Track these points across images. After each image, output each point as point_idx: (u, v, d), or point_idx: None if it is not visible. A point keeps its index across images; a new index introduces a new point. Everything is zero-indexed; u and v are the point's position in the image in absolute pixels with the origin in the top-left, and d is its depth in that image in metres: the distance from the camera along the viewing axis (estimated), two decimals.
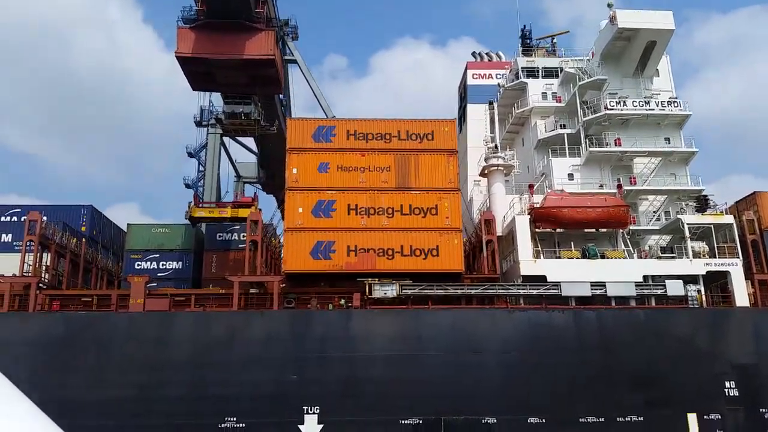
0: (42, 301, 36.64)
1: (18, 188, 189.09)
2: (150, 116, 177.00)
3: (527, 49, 60.34)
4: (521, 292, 37.87)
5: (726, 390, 36.52)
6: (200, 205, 51.72)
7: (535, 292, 37.70)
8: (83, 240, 44.20)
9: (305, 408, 34.69)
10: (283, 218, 40.66)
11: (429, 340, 36.22)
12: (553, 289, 37.83)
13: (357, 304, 37.10)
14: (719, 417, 36.06)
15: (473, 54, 62.03)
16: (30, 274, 36.85)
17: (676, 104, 45.49)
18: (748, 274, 39.22)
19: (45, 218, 39.30)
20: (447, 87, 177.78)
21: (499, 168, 43.66)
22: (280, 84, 42.59)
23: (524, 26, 62.02)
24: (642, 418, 35.63)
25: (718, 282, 40.09)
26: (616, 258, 39.42)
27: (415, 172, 39.60)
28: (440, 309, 37.17)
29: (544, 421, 35.15)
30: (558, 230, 40.98)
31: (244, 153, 77.33)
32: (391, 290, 37.17)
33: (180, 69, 44.23)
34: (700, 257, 39.59)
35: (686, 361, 36.74)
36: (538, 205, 40.16)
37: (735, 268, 39.12)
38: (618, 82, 47.09)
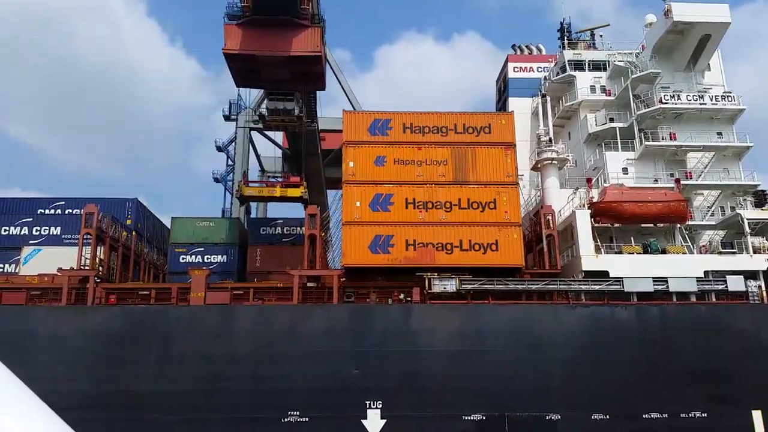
0: (100, 294, 36.37)
1: (20, 183, 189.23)
2: (154, 110, 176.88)
3: (571, 42, 59.79)
4: (583, 287, 37.43)
5: None
6: (249, 184, 51.77)
7: (597, 287, 37.25)
8: (133, 233, 43.97)
9: (368, 402, 34.41)
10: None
11: (491, 335, 35.83)
12: (615, 284, 37.38)
13: (417, 299, 36.73)
14: None
15: (513, 47, 61.32)
16: (88, 268, 36.56)
17: (730, 98, 44.87)
18: None
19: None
20: (451, 80, 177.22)
21: (554, 162, 43.16)
22: (324, 80, 42.31)
23: (563, 19, 61.42)
24: (705, 415, 35.19)
25: None
26: (677, 253, 38.91)
27: (473, 165, 39.14)
28: (501, 304, 36.77)
29: (608, 417, 34.77)
30: (615, 225, 40.53)
31: (268, 148, 76.82)
32: (451, 285, 36.78)
33: (226, 66, 44.00)
34: (760, 252, 39.08)
35: (749, 357, 36.30)
36: (596, 200, 39.66)
37: None
38: (669, 76, 46.49)
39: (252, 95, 71.50)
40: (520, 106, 56.15)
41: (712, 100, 44.45)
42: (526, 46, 61.43)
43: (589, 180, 42.54)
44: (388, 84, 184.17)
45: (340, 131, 40.38)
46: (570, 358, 35.61)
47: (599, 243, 39.14)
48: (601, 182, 43.05)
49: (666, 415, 35.08)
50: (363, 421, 34.32)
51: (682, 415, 35.16)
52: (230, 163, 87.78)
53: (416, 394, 34.43)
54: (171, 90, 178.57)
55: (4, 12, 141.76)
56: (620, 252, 39.08)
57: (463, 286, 36.71)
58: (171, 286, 38.47)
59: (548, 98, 46.19)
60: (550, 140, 43.68)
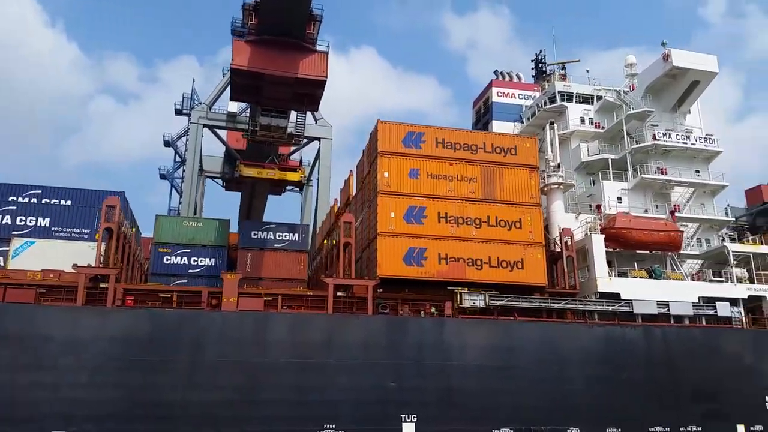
0: (119, 295, 33.48)
1: None
2: (32, 95, 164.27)
3: (543, 74, 63.26)
4: (598, 308, 39.62)
5: (767, 403, 40.24)
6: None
7: (611, 308, 39.61)
8: (132, 230, 40.86)
9: (403, 416, 34.26)
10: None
11: (519, 351, 36.95)
12: (625, 306, 39.95)
13: (449, 313, 37.15)
14: (761, 428, 39.63)
15: (495, 72, 63.92)
16: (107, 266, 33.55)
17: (710, 141, 49.60)
18: None
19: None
20: (349, 93, 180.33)
21: (560, 186, 45.39)
22: (319, 103, 42.66)
23: (540, 51, 64.88)
24: (701, 428, 38.42)
25: (752, 305, 44.02)
26: (676, 279, 42.26)
27: (500, 184, 40.36)
28: (527, 321, 38.06)
29: (620, 430, 36.97)
30: (617, 250, 43.34)
31: (210, 147, 74.13)
32: (480, 300, 37.61)
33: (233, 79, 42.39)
34: (742, 282, 43.40)
35: (735, 377, 40.08)
36: (604, 226, 42.26)
37: None
38: (657, 115, 50.52)
39: (206, 91, 69.28)
40: (503, 129, 58.65)
41: (697, 140, 48.88)
42: (507, 73, 64.18)
43: (599, 206, 45.17)
44: None
45: None
46: (587, 375, 37.51)
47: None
48: (601, 209, 45.74)
49: (668, 429, 37.88)
50: None
51: (681, 429, 38.12)
52: (178, 159, 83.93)
53: (449, 408, 34.75)
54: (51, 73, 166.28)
55: None
56: (627, 276, 41.79)
57: (491, 301, 37.64)
58: (201, 289, 36.12)
59: (555, 126, 48.42)
60: (559, 165, 45.90)
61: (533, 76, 66.47)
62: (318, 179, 64.58)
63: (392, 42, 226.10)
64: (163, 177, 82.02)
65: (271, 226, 50.38)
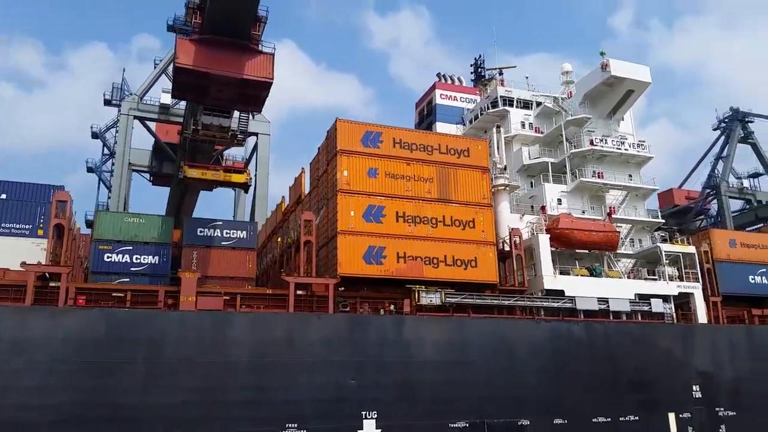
0: (70, 294, 31.87)
1: None
2: None
3: (482, 78, 65.40)
4: (545, 304, 41.53)
5: (693, 393, 43.56)
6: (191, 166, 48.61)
7: (556, 305, 41.62)
8: (77, 226, 38.85)
9: (364, 413, 34.61)
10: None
11: (473, 346, 38.18)
12: (569, 303, 42.10)
13: (407, 311, 37.84)
14: (689, 415, 42.87)
15: (438, 75, 65.35)
16: (58, 264, 31.84)
17: (643, 147, 53.01)
18: (705, 296, 47.20)
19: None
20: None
21: (506, 188, 47.12)
22: (263, 105, 42.59)
23: (479, 55, 67.00)
24: (637, 418, 41.07)
25: (681, 302, 47.46)
26: (614, 277, 44.95)
27: (455, 185, 41.45)
28: (480, 318, 39.34)
29: (566, 422, 38.91)
30: (560, 249, 45.56)
31: (137, 140, 71.82)
32: (436, 298, 38.58)
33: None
34: (672, 280, 46.72)
35: (666, 368, 43.13)
36: (550, 226, 44.35)
37: (697, 290, 46.91)
38: (594, 122, 53.41)
39: (137, 81, 67.06)
40: (446, 131, 60.15)
41: (631, 146, 52.12)
42: (450, 77, 65.82)
43: (543, 208, 47.23)
44: None
45: None
46: (536, 368, 39.26)
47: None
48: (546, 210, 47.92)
49: (609, 419, 40.25)
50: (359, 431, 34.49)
51: (621, 419, 40.61)
52: (106, 152, 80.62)
53: (409, 404, 35.45)
54: None
55: None
56: (569, 274, 44.02)
57: (447, 299, 38.66)
58: (158, 288, 34.91)
59: (502, 129, 50.15)
60: (505, 168, 47.61)
61: (473, 81, 68.40)
62: (256, 175, 63.76)
63: (314, 38, 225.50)
64: (90, 170, 78.53)
65: (218, 223, 49.13)
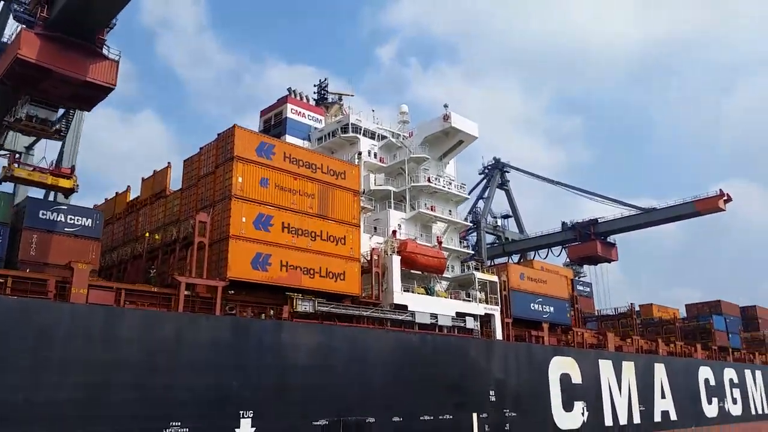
0: None
1: None
2: None
3: (324, 100, 70.23)
4: (392, 317, 47.38)
5: (490, 396, 53.29)
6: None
7: (400, 318, 47.78)
8: None
9: (241, 413, 36.38)
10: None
11: (337, 352, 42.29)
12: (410, 316, 48.64)
13: (286, 316, 40.36)
14: (486, 415, 52.40)
15: (288, 90, 67.83)
16: None
17: (463, 188, 62.81)
18: (502, 318, 57.85)
19: None
20: None
21: (365, 210, 52.23)
22: (95, 105, 42.81)
23: (324, 79, 71.55)
24: (451, 417, 49.12)
25: (484, 320, 57.33)
26: (443, 297, 52.81)
27: (332, 204, 45.19)
28: (343, 326, 43.54)
29: (402, 419, 45.14)
30: (404, 269, 52.05)
31: None
32: (309, 306, 41.89)
33: None
34: (481, 302, 56.39)
35: (473, 375, 52.19)
36: (400, 249, 50.66)
37: (497, 312, 57.30)
38: (429, 161, 61.62)
39: None
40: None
41: (457, 187, 61.37)
42: (300, 93, 69.00)
43: (394, 232, 53.21)
44: None
45: None
46: (383, 372, 44.83)
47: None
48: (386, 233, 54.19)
49: (431, 418, 47.51)
50: (236, 430, 36.08)
51: (440, 417, 48.16)
52: None
53: (281, 405, 38.17)
54: None
55: None
56: (411, 291, 50.70)
57: (318, 307, 42.18)
58: (48, 276, 31.93)
59: (362, 154, 55.13)
60: (364, 192, 52.64)
61: (316, 101, 72.62)
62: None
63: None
64: None
65: (63, 207, 45.50)
